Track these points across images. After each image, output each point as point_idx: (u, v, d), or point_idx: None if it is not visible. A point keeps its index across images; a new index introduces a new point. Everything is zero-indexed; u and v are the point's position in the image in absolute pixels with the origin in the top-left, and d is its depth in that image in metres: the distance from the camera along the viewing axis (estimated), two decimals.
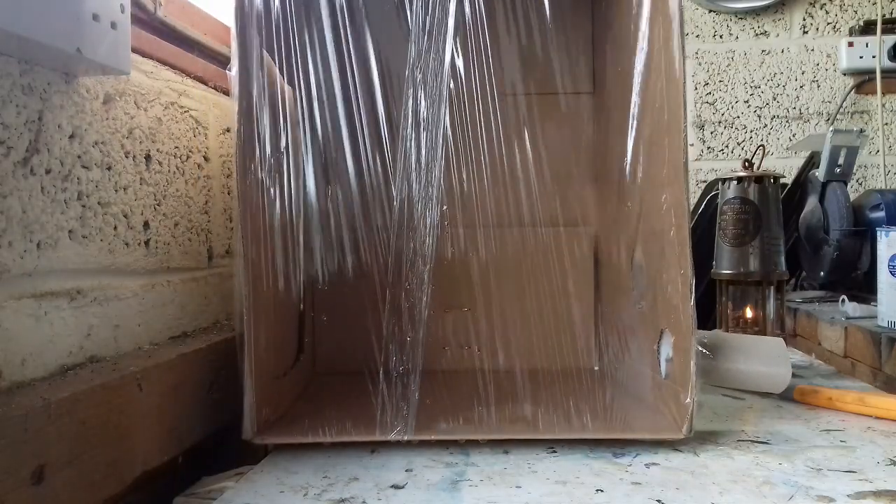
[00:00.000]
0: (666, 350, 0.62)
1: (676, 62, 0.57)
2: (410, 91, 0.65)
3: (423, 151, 0.65)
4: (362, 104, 0.81)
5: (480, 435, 0.60)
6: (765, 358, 0.75)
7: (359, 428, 0.60)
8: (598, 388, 0.74)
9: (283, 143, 0.68)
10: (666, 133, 0.61)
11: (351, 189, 0.83)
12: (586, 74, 0.87)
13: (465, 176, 0.82)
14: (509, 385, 0.75)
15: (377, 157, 0.78)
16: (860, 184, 1.48)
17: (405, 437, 0.58)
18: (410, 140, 0.66)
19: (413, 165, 0.66)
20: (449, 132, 0.71)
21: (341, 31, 0.72)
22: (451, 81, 0.66)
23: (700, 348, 0.70)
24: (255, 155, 0.61)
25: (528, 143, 0.84)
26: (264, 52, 0.63)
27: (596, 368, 0.84)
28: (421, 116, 0.65)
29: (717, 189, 0.97)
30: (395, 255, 0.75)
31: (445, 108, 0.65)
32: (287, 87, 0.70)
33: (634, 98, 0.67)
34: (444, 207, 0.79)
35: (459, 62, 0.69)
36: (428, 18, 0.63)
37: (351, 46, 0.76)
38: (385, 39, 0.76)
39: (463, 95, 0.72)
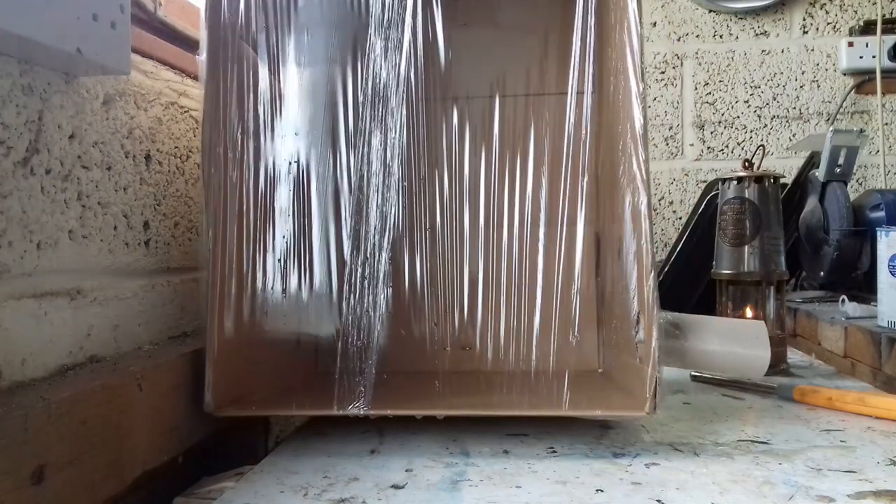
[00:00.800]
0: (640, 333, 0.61)
1: (629, 29, 0.58)
2: (370, 70, 0.65)
3: (385, 140, 0.65)
4: (331, 87, 0.80)
5: (435, 411, 0.61)
6: (742, 339, 0.72)
7: (316, 406, 0.62)
8: (591, 382, 0.74)
9: (252, 125, 0.68)
10: (619, 111, 0.61)
11: (326, 169, 0.82)
12: (585, 73, 0.86)
13: (466, 175, 0.82)
14: (502, 382, 0.75)
15: (346, 146, 0.78)
16: (860, 184, 1.48)
17: (361, 412, 0.59)
18: (370, 130, 0.65)
19: (373, 153, 0.66)
20: (451, 131, 0.71)
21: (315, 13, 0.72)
22: (443, 76, 0.66)
23: (667, 326, 0.69)
24: (223, 137, 0.62)
25: (527, 142, 0.84)
26: (235, 35, 0.63)
27: (600, 371, 0.84)
28: (381, 100, 0.65)
29: (717, 189, 0.97)
30: (353, 231, 0.75)
31: (403, 88, 0.65)
32: (261, 68, 0.70)
33: (587, 85, 0.68)
34: (405, 183, 0.79)
35: (459, 59, 0.68)
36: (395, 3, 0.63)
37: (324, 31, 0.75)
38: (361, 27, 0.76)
39: (459, 94, 0.72)
